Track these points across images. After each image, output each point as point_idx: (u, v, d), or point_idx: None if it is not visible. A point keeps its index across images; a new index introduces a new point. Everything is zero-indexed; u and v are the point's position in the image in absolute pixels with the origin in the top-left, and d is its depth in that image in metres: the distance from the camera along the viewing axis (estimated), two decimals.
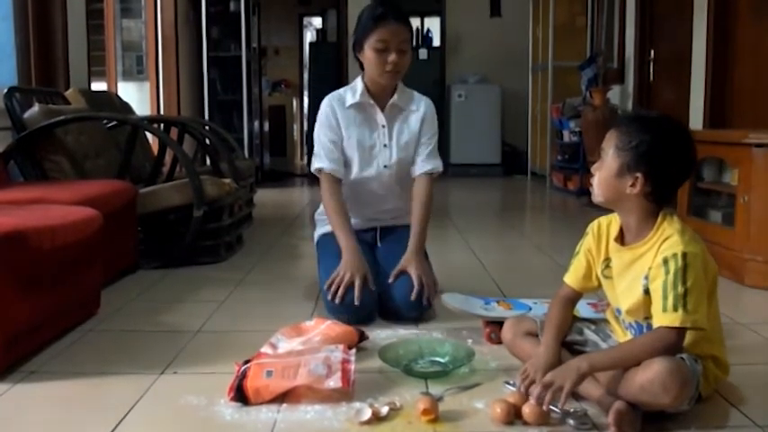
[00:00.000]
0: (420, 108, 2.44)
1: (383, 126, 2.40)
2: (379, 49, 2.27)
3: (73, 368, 1.85)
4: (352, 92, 2.40)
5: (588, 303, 2.00)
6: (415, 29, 9.19)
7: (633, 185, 1.51)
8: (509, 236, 4.18)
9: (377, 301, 2.22)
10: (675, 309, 1.42)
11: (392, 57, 2.27)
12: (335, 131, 2.38)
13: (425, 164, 2.42)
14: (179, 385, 1.71)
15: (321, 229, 2.52)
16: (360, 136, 2.39)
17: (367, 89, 2.39)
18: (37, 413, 1.58)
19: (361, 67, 2.39)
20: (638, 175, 1.50)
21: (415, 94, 2.48)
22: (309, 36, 11.11)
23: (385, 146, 2.40)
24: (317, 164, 2.39)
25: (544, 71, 7.07)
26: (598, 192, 1.58)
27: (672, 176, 1.54)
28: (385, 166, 2.41)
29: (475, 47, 8.17)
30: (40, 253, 1.89)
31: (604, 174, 1.56)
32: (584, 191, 5.74)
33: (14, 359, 1.82)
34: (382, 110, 2.40)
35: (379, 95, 2.40)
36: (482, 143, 7.86)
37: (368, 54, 2.30)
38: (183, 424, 1.51)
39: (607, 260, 1.64)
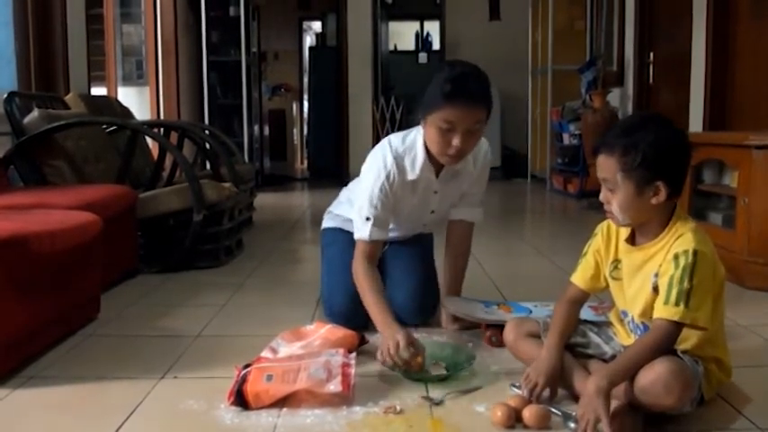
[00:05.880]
0: (478, 162, 2.16)
1: (435, 192, 2.15)
2: (443, 128, 1.90)
3: (72, 373, 1.84)
4: (412, 162, 2.05)
5: (589, 306, 2.00)
6: (414, 33, 9.33)
7: (656, 194, 1.48)
8: (509, 239, 4.18)
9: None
10: (677, 303, 1.41)
11: (456, 140, 1.89)
12: (390, 201, 2.07)
13: (468, 212, 2.25)
14: (179, 390, 1.71)
15: (329, 223, 2.44)
16: (411, 201, 2.14)
17: (427, 153, 2.04)
18: (36, 418, 1.58)
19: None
20: (658, 183, 1.47)
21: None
22: (309, 40, 11.13)
23: (433, 212, 2.23)
24: (365, 234, 2.03)
25: (544, 74, 7.08)
26: (623, 217, 1.53)
27: (682, 164, 1.51)
28: (432, 212, 2.23)
29: (474, 50, 8.17)
30: (40, 257, 1.89)
31: (623, 199, 1.50)
32: (584, 194, 5.75)
33: (14, 364, 1.82)
34: (438, 174, 2.11)
35: (438, 160, 2.06)
36: None
37: (430, 130, 1.95)
38: (183, 428, 1.51)
39: (616, 261, 1.63)
